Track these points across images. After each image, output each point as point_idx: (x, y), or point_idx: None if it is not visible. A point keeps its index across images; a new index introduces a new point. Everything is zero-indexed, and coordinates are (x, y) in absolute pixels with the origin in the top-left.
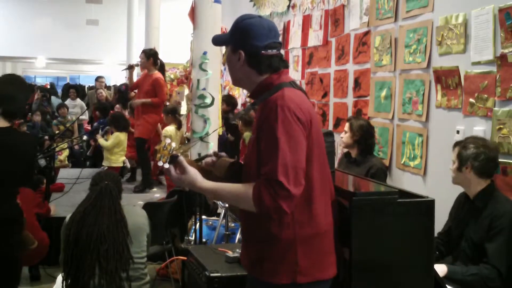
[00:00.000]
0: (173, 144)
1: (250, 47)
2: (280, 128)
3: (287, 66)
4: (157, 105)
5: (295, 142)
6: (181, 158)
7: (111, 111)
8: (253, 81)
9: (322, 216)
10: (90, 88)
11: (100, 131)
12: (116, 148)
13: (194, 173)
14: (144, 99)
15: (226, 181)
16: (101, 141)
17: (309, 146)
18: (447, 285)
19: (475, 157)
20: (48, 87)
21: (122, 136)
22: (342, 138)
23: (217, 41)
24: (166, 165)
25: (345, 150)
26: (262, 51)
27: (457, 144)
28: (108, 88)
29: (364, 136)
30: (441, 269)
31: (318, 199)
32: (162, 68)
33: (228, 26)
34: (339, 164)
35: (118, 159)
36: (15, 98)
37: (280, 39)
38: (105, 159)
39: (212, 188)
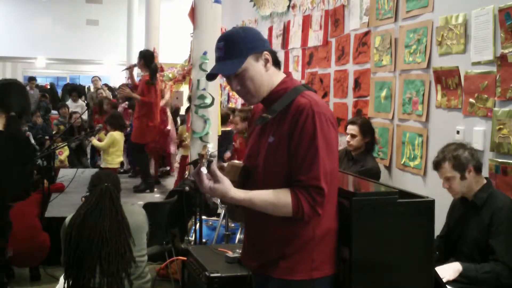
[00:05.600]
0: (211, 150)
1: (268, 45)
2: (319, 136)
3: None
4: (144, 104)
5: (331, 149)
6: (214, 166)
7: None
8: (273, 83)
9: (333, 215)
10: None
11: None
12: (111, 148)
13: (228, 183)
14: (134, 94)
15: (238, 185)
16: (95, 142)
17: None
18: (447, 286)
19: (472, 157)
20: (48, 87)
21: (117, 136)
22: (350, 142)
23: (230, 68)
24: (205, 171)
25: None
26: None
27: (441, 161)
28: (110, 88)
29: (373, 135)
30: (456, 267)
31: (333, 198)
32: (154, 72)
33: (228, 26)
34: (340, 162)
35: (115, 159)
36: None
37: (280, 39)
38: (102, 160)
39: (247, 198)
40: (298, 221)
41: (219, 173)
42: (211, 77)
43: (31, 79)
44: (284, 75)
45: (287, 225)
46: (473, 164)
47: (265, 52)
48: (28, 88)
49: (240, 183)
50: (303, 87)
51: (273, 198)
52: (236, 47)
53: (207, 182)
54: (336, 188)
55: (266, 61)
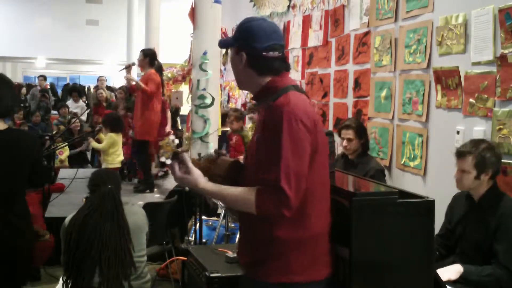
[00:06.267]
0: (176, 141)
1: (251, 49)
2: (284, 135)
3: (288, 69)
4: (147, 95)
5: (299, 149)
6: (186, 157)
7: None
8: (255, 82)
9: (317, 219)
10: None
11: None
12: (111, 148)
13: (197, 174)
14: (136, 80)
15: (226, 180)
16: (94, 144)
17: (313, 149)
18: (447, 286)
19: (496, 163)
20: (48, 87)
21: (116, 137)
22: (347, 146)
23: (222, 43)
24: (169, 161)
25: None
26: (263, 53)
27: (467, 153)
28: (109, 88)
29: (367, 135)
30: (457, 269)
31: (314, 203)
32: (159, 70)
33: (228, 26)
34: (336, 165)
35: (115, 159)
36: (1, 97)
37: None
38: (103, 160)
39: (214, 191)
40: (277, 222)
41: (190, 165)
42: (220, 43)
43: (41, 76)
44: (267, 78)
45: (266, 226)
46: (493, 170)
47: (242, 52)
48: (38, 86)
49: (230, 179)
50: (292, 87)
51: (239, 193)
52: (236, 31)
53: (179, 173)
54: (321, 191)
55: (240, 60)
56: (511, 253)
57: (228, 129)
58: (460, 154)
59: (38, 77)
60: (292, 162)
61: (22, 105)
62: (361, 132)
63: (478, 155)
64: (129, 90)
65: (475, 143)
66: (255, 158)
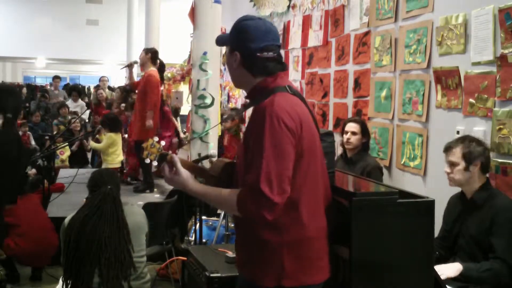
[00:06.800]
0: (162, 143)
1: (245, 49)
2: (266, 136)
3: (284, 69)
4: (152, 107)
5: (280, 151)
6: (176, 159)
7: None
8: (248, 82)
9: (310, 222)
10: (95, 87)
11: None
12: (110, 148)
13: (186, 176)
14: (147, 120)
15: (220, 181)
16: (93, 144)
17: (298, 152)
18: (447, 286)
19: (483, 153)
20: (49, 87)
21: (115, 137)
22: (350, 139)
23: (219, 40)
24: (155, 163)
25: (341, 149)
26: (258, 54)
27: (454, 145)
28: (110, 88)
29: (369, 136)
30: (456, 267)
31: (305, 205)
32: (161, 68)
33: (228, 26)
34: (336, 165)
35: (115, 159)
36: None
37: (280, 40)
38: (103, 160)
39: (201, 192)
40: (265, 225)
41: (179, 167)
42: (216, 40)
43: (56, 77)
44: (261, 78)
45: (256, 229)
46: (482, 161)
47: (236, 52)
48: (52, 87)
49: (224, 181)
50: (283, 88)
51: (223, 195)
52: (232, 30)
53: (169, 174)
54: (310, 195)
55: (234, 59)
56: (509, 247)
57: None
58: (447, 148)
59: (53, 78)
60: (274, 163)
61: (22, 105)
62: (365, 129)
63: (464, 146)
64: (131, 86)
65: (461, 137)
66: (243, 159)
